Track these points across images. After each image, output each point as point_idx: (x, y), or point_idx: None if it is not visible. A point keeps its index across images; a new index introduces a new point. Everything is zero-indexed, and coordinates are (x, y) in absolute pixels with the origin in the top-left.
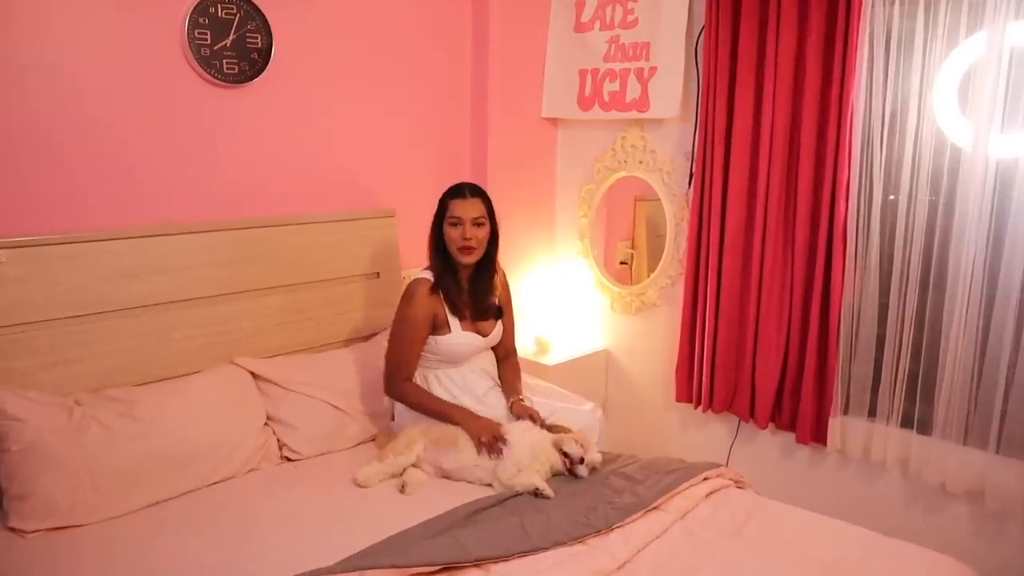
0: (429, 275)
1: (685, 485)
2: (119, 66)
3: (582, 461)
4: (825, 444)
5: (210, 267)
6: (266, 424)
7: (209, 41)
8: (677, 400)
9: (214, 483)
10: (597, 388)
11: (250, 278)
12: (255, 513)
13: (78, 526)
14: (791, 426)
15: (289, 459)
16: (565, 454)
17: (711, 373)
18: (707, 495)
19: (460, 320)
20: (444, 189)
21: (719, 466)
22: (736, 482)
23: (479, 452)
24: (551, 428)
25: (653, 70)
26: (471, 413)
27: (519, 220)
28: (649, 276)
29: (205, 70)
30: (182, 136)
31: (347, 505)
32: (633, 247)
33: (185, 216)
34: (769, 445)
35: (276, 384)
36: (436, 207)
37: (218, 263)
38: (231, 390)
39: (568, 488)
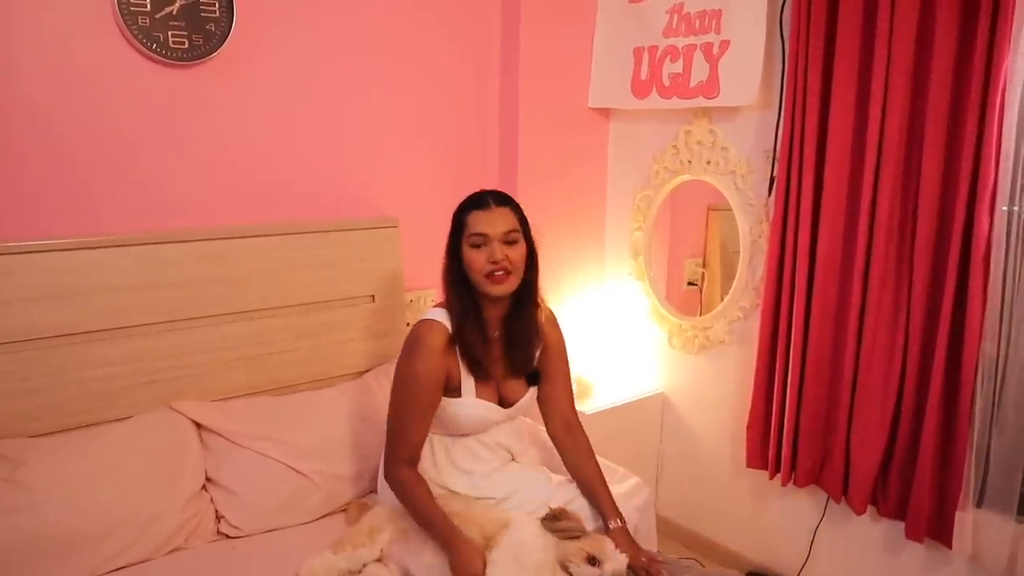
0: (443, 316)
1: None
2: (35, 38)
3: None
4: (949, 545)
5: (155, 288)
6: (203, 489)
7: (149, 8)
8: (748, 465)
9: (119, 568)
10: (650, 439)
11: (206, 302)
12: None
13: None
14: (899, 514)
15: (227, 536)
16: None
17: (793, 436)
18: None
19: (476, 380)
20: (463, 194)
21: None
22: None
23: None
24: (559, 515)
25: (725, 45)
26: (462, 540)
27: (560, 234)
28: (723, 301)
29: (144, 44)
30: (118, 125)
31: None
32: (704, 266)
33: (122, 226)
34: (868, 534)
35: (224, 437)
36: (450, 224)
37: (165, 283)
38: (161, 444)
39: None
